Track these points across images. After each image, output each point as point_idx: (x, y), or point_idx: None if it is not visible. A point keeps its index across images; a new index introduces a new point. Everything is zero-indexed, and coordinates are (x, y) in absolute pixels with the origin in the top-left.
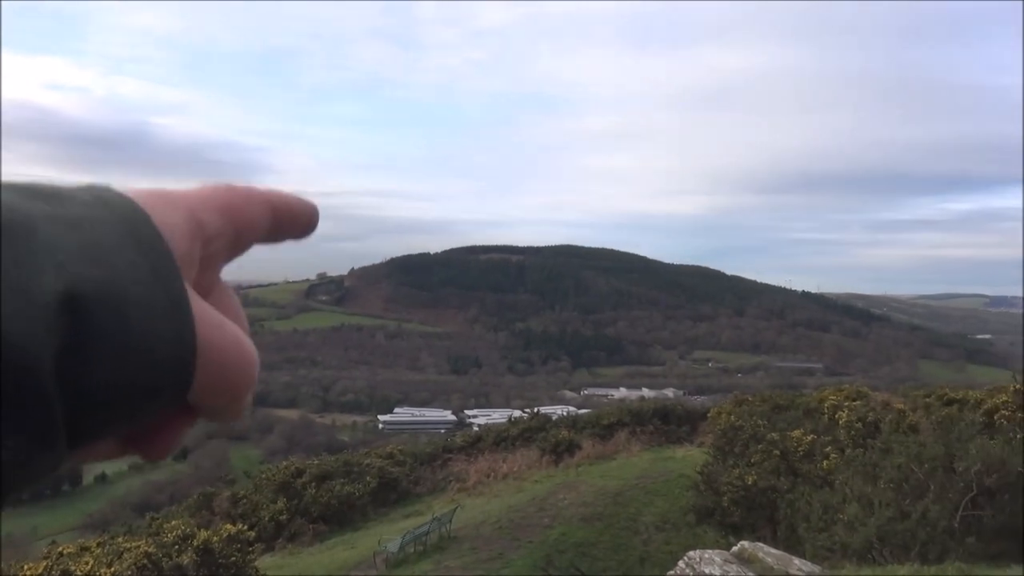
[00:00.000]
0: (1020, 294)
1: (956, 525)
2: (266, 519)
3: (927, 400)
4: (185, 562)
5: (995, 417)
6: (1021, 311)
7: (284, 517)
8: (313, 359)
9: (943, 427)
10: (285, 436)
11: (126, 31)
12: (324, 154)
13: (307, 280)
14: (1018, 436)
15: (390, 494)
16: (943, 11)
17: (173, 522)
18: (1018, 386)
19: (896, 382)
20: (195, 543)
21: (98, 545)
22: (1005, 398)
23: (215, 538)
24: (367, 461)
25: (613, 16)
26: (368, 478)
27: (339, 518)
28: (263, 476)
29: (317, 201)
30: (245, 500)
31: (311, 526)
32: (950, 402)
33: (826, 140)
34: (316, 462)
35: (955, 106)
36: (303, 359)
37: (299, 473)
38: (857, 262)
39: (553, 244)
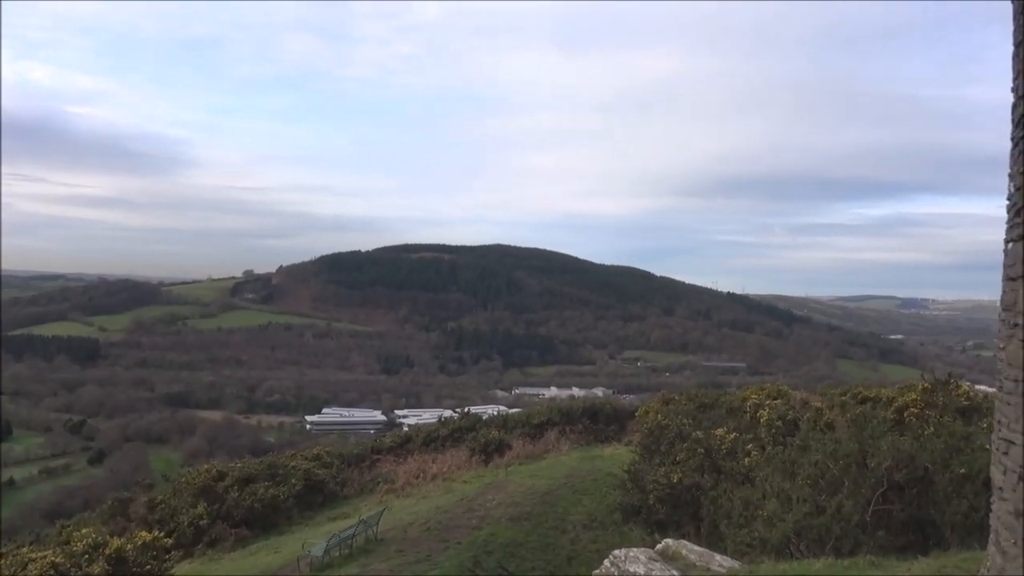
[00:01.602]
0: (930, 297)
1: (868, 519)
2: (185, 524)
3: (843, 398)
4: (96, 572)
5: (905, 414)
6: (930, 312)
7: (205, 522)
8: (238, 359)
9: (857, 424)
10: (207, 438)
11: (37, 14)
12: (251, 147)
13: (233, 278)
14: (925, 433)
15: (316, 496)
16: (861, 22)
17: (84, 530)
18: (926, 385)
19: (815, 380)
20: (107, 552)
21: (1, 556)
22: (914, 396)
23: (128, 546)
24: (293, 463)
25: (543, 16)
26: (293, 480)
27: (263, 522)
28: (183, 480)
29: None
30: (163, 505)
31: (233, 531)
32: (864, 400)
33: (749, 145)
34: (239, 464)
35: (871, 115)
36: (228, 359)
37: (221, 476)
38: (780, 264)
39: (486, 243)
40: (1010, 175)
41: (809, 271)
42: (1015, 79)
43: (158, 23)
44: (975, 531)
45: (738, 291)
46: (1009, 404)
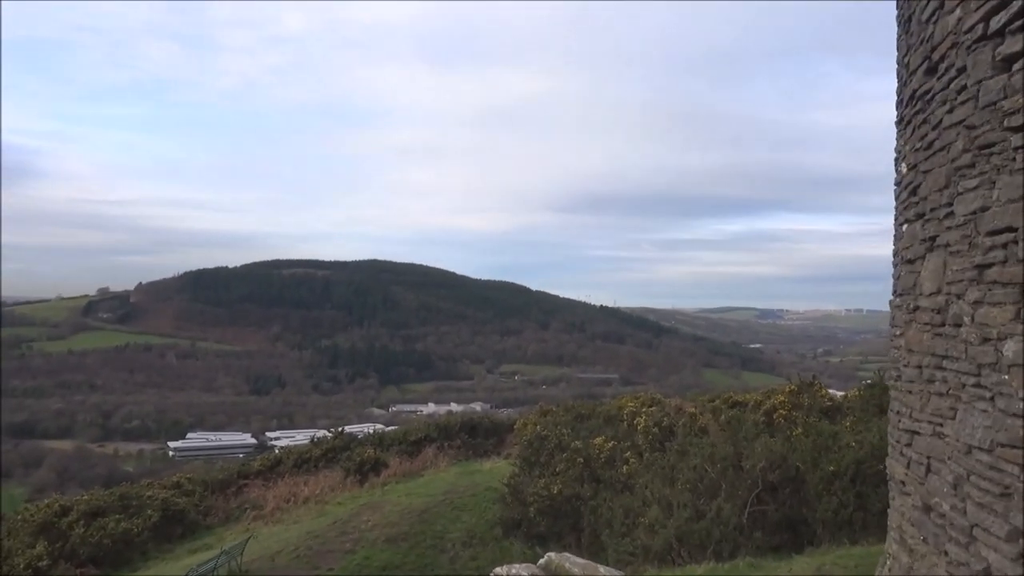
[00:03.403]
0: (785, 307)
1: (745, 521)
2: (21, 567)
3: (713, 404)
4: None
5: (774, 416)
6: (785, 322)
7: (44, 563)
8: (92, 383)
9: (731, 428)
10: (56, 470)
11: None
12: (106, 159)
13: (86, 296)
14: (794, 433)
15: (175, 528)
16: (710, 49)
17: None
18: (792, 387)
19: (684, 389)
20: None
21: None
22: (781, 398)
23: None
24: (149, 493)
25: (412, 32)
26: (149, 511)
27: (113, 559)
28: (19, 518)
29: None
30: None
31: (79, 570)
32: (734, 404)
33: (612, 162)
34: (86, 497)
35: (723, 136)
36: (80, 383)
37: (64, 511)
38: (648, 278)
39: (360, 259)
40: (897, 158)
41: (675, 284)
42: (903, 58)
43: None
44: (844, 527)
45: (610, 304)
46: (911, 393)
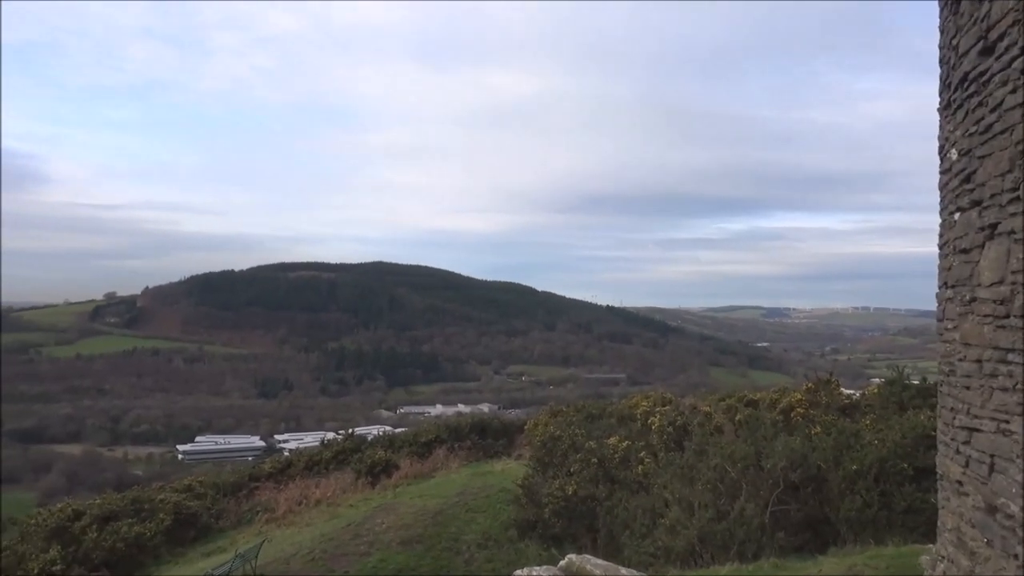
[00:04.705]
0: (791, 306)
1: (767, 521)
2: (35, 572)
3: (727, 403)
4: None
5: (791, 415)
6: (791, 320)
7: (58, 567)
8: (100, 387)
9: (749, 427)
10: (66, 474)
11: None
12: (100, 161)
13: (92, 301)
14: (813, 432)
15: (188, 531)
16: (706, 48)
17: None
18: (810, 385)
19: (691, 388)
20: None
21: None
22: (798, 396)
23: None
24: (161, 496)
25: (402, 32)
26: (162, 515)
27: (127, 563)
28: (32, 522)
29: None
30: (8, 552)
31: (92, 575)
32: (749, 403)
33: (608, 162)
34: (98, 501)
35: (720, 134)
36: (88, 388)
37: (77, 515)
38: (653, 277)
39: (365, 261)
40: (943, 145)
41: (680, 283)
42: (950, 40)
43: None
44: (868, 526)
45: (616, 304)
46: (969, 388)
